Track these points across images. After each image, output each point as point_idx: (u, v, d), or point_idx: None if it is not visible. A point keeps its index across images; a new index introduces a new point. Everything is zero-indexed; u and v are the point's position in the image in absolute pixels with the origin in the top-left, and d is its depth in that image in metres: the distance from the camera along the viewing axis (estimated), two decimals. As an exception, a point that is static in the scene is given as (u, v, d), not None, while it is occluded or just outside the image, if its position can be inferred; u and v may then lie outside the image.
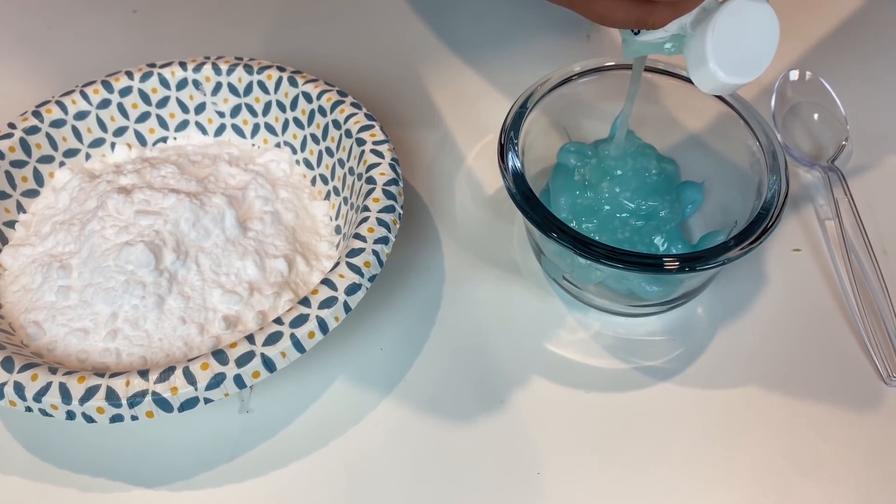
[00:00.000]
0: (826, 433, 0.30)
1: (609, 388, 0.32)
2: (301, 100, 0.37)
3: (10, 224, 0.35)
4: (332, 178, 0.37)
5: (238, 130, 0.39)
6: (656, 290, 0.32)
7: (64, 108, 0.37)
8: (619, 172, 0.34)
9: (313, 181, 0.38)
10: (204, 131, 0.39)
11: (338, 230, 0.35)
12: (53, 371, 0.27)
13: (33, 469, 0.30)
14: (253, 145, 0.39)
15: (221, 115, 0.39)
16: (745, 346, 0.33)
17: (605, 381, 0.32)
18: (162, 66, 0.38)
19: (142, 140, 0.39)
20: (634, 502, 0.29)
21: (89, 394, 0.27)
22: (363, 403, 0.31)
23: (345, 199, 0.35)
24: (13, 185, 0.35)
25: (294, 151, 0.38)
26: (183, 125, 0.39)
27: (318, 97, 0.37)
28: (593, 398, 0.31)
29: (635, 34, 0.28)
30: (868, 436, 0.30)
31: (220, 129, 0.39)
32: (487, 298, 0.34)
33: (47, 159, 0.37)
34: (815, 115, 0.40)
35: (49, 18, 0.49)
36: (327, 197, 0.37)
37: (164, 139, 0.39)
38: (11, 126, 0.36)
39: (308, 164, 0.38)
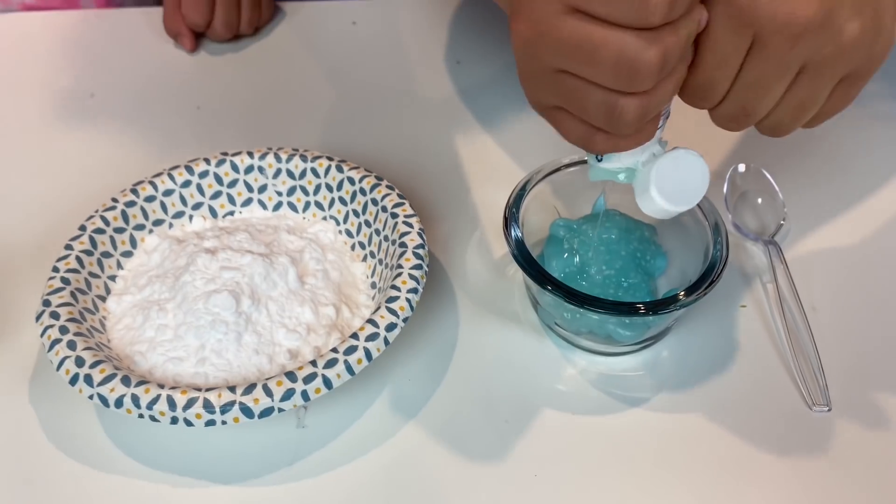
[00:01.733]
0: (762, 447, 0.38)
1: (592, 412, 0.40)
2: (346, 183, 0.46)
3: (112, 278, 0.43)
4: (369, 245, 0.45)
5: (292, 206, 0.48)
6: (629, 335, 0.40)
7: (155, 187, 0.46)
8: (598, 244, 0.43)
9: (353, 247, 0.46)
10: (264, 207, 0.48)
11: (373, 286, 0.44)
12: (161, 386, 0.35)
13: (131, 470, 0.37)
14: (304, 218, 0.48)
15: (280, 194, 0.48)
16: (700, 380, 0.41)
17: (589, 407, 0.40)
18: (233, 155, 0.48)
19: (213, 213, 0.48)
20: (611, 498, 0.36)
21: (190, 403, 0.35)
22: (396, 422, 0.39)
23: (380, 261, 0.44)
24: (115, 247, 0.44)
25: (338, 223, 0.47)
26: (248, 202, 0.48)
27: (360, 181, 0.46)
28: (580, 419, 0.39)
29: (598, 160, 0.36)
30: (795, 448, 0.38)
31: (278, 206, 0.48)
32: (494, 341, 0.43)
33: (140, 227, 0.45)
34: (759, 200, 0.50)
35: (131, 114, 0.59)
36: (364, 259, 0.46)
37: (231, 213, 0.48)
38: (115, 200, 0.45)
39: (349, 234, 0.47)
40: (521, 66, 0.33)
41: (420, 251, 0.41)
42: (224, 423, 0.35)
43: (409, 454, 0.38)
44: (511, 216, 0.42)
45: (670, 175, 0.35)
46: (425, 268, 0.41)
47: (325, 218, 0.48)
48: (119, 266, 0.44)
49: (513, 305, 0.45)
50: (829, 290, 0.45)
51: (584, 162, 0.45)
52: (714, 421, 0.39)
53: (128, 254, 0.45)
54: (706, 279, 0.39)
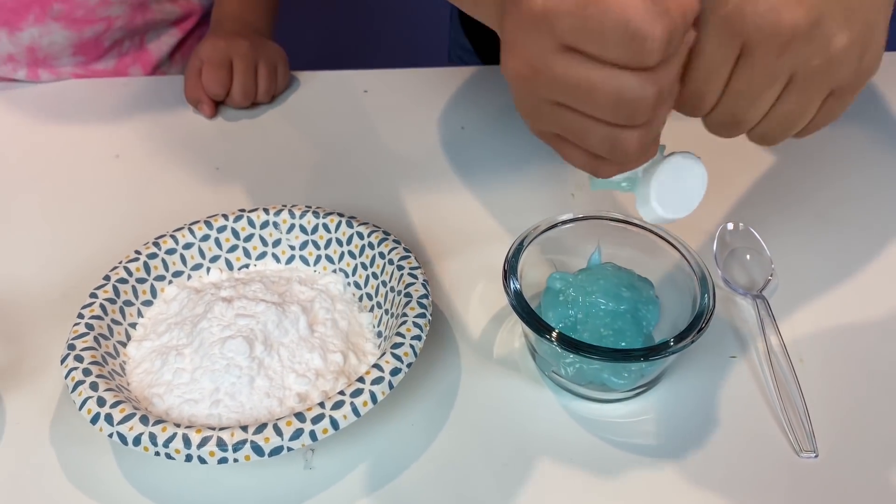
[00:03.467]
0: (751, 491, 0.39)
1: (586, 456, 0.41)
2: (355, 237, 0.49)
3: (133, 325, 0.46)
4: (376, 295, 0.48)
5: (304, 260, 0.51)
6: (622, 383, 0.42)
7: (176, 240, 0.49)
8: (595, 296, 0.45)
9: (360, 298, 0.49)
10: (278, 260, 0.51)
11: (379, 335, 0.46)
12: (177, 426, 0.37)
13: (134, 499, 0.39)
14: (314, 271, 0.51)
15: (293, 248, 0.51)
16: (691, 426, 0.43)
17: (584, 451, 0.42)
18: (250, 211, 0.51)
19: (230, 265, 0.51)
20: (606, 540, 0.38)
21: (204, 441, 0.37)
22: (399, 465, 0.41)
23: (386, 311, 0.46)
24: (136, 297, 0.47)
25: (346, 276, 0.50)
26: (262, 255, 0.51)
27: (369, 235, 0.49)
28: (575, 463, 0.41)
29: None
30: (783, 490, 0.39)
31: (291, 259, 0.51)
32: (494, 388, 0.45)
33: (160, 278, 0.48)
34: (748, 257, 0.52)
35: (153, 174, 0.62)
36: (371, 309, 0.48)
37: (246, 265, 0.51)
38: (137, 252, 0.48)
39: (357, 285, 0.49)
40: (517, 99, 0.34)
41: (424, 301, 0.44)
42: (236, 460, 0.36)
43: (411, 496, 0.40)
44: (510, 269, 0.44)
45: (670, 183, 0.36)
46: (428, 316, 0.43)
47: (334, 271, 0.50)
48: (140, 314, 0.47)
49: (512, 355, 0.47)
50: (815, 342, 0.47)
51: (578, 220, 0.48)
52: (705, 465, 0.41)
53: (148, 302, 0.47)
54: (694, 327, 0.41)
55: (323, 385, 0.42)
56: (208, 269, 0.50)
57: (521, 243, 0.46)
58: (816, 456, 0.41)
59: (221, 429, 0.37)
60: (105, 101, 0.71)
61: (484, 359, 0.47)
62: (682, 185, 0.37)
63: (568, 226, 0.48)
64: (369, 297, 0.49)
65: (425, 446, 0.42)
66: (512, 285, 0.43)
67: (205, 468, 0.41)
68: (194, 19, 0.84)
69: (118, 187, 0.61)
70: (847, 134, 0.64)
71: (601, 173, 0.35)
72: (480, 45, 0.86)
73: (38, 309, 0.50)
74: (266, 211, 0.51)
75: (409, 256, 0.47)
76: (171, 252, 0.49)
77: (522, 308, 0.42)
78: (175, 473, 0.40)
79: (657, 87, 0.30)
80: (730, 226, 0.54)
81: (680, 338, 0.40)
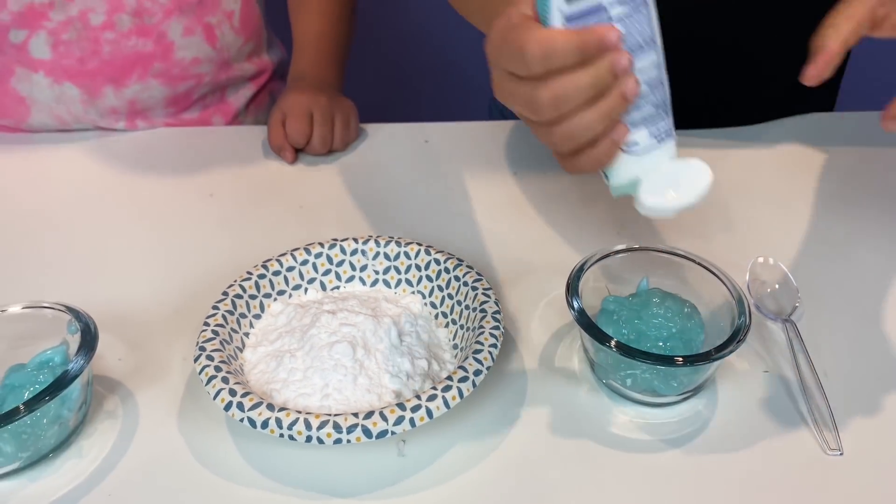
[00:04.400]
0: (783, 482, 0.46)
1: (639, 451, 0.48)
2: (432, 263, 0.57)
3: (246, 334, 0.53)
4: (451, 313, 0.55)
5: (386, 283, 0.59)
6: (670, 389, 0.49)
7: (280, 264, 0.57)
8: (645, 317, 0.52)
9: (436, 316, 0.56)
10: (364, 283, 0.59)
11: (455, 346, 0.53)
12: (298, 412, 0.44)
13: (263, 485, 0.46)
14: (395, 293, 0.58)
15: (377, 272, 0.59)
16: (730, 429, 0.49)
17: (637, 447, 0.48)
18: (342, 240, 0.58)
19: (323, 286, 0.58)
20: (661, 519, 0.44)
21: (322, 424, 0.44)
22: (477, 456, 0.48)
23: (461, 326, 0.54)
24: (248, 310, 0.54)
25: (423, 297, 0.57)
26: (351, 279, 0.59)
27: (445, 262, 0.56)
28: (628, 456, 0.47)
29: (607, 181, 0.43)
30: (812, 482, 0.45)
31: (375, 282, 0.59)
32: (557, 393, 0.51)
33: (267, 295, 0.56)
34: (777, 286, 0.59)
35: (243, 209, 0.70)
36: (447, 326, 0.55)
37: (337, 287, 0.58)
38: (249, 273, 0.56)
39: (433, 305, 0.57)
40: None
41: (497, 315, 0.51)
42: (349, 441, 0.43)
43: (488, 483, 0.46)
44: (572, 290, 0.51)
45: (664, 180, 0.41)
46: (502, 328, 0.50)
47: (413, 292, 0.58)
48: (251, 325, 0.54)
49: (571, 366, 0.54)
50: (837, 359, 0.53)
51: (631, 250, 0.55)
52: (743, 459, 0.47)
53: (257, 316, 0.55)
54: (732, 340, 0.48)
55: (413, 385, 0.49)
56: (306, 289, 0.58)
57: (580, 268, 0.53)
58: (841, 454, 0.47)
59: (335, 415, 0.44)
60: (196, 147, 0.80)
61: (546, 369, 0.53)
62: (680, 182, 0.41)
63: (620, 255, 0.55)
64: (444, 314, 0.56)
65: (499, 441, 0.48)
66: (575, 303, 0.50)
67: (313, 452, 0.47)
68: (267, 75, 0.94)
69: (215, 221, 0.69)
70: (860, 177, 0.71)
71: (568, 169, 0.44)
72: None
73: (155, 323, 0.58)
74: (356, 240, 0.59)
75: (481, 279, 0.54)
76: (276, 273, 0.56)
77: (585, 321, 0.49)
78: (286, 456, 0.47)
79: (551, 91, 0.39)
80: (760, 260, 0.60)
81: (719, 349, 0.47)
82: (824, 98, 0.89)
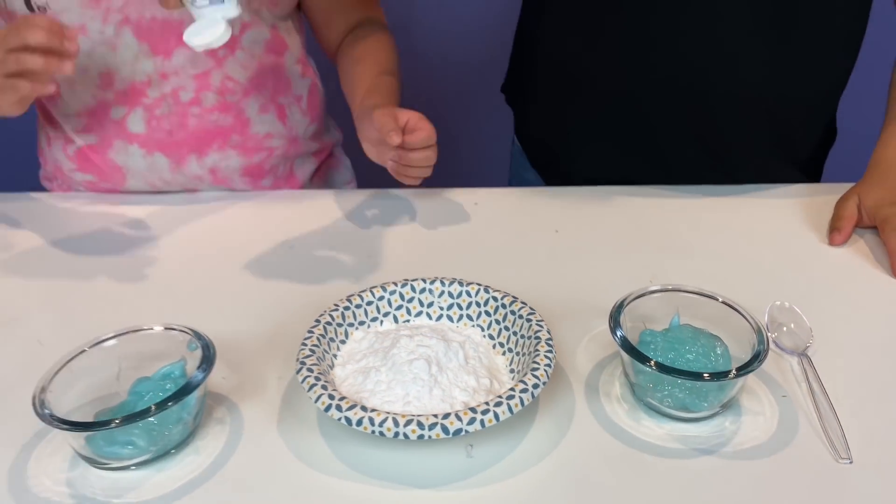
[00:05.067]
0: (799, 486, 0.53)
1: (673, 457, 0.55)
2: (491, 300, 0.66)
3: (334, 356, 0.63)
4: (508, 343, 0.64)
5: (450, 318, 0.68)
6: (701, 405, 0.57)
7: (361, 298, 0.66)
8: (679, 348, 0.60)
9: (494, 346, 0.65)
10: (430, 317, 0.68)
11: (511, 371, 0.62)
12: (387, 412, 0.53)
13: (351, 476, 0.54)
14: (457, 325, 0.67)
15: (441, 308, 0.68)
16: (753, 441, 0.57)
17: (671, 454, 0.56)
18: (412, 280, 0.68)
19: (395, 320, 0.67)
20: (695, 511, 0.51)
21: (408, 422, 0.52)
22: (534, 457, 0.55)
23: (516, 353, 0.62)
24: (336, 336, 0.64)
25: (482, 329, 0.66)
26: (419, 313, 0.68)
27: (502, 298, 0.66)
28: (665, 462, 0.55)
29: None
30: (825, 487, 0.53)
31: (440, 317, 0.68)
32: (601, 410, 0.60)
33: (350, 324, 0.65)
34: (792, 325, 0.67)
35: (318, 256, 0.81)
36: (504, 353, 0.64)
37: (407, 320, 0.68)
38: (336, 306, 0.65)
39: (491, 336, 0.66)
40: None
41: (550, 342, 0.60)
42: (430, 437, 0.52)
43: (544, 483, 0.54)
44: (615, 321, 0.60)
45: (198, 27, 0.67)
46: (554, 352, 0.59)
47: (473, 325, 0.67)
48: (338, 349, 0.63)
49: (613, 390, 0.62)
50: (848, 386, 0.61)
51: (664, 290, 0.64)
52: (765, 467, 0.54)
53: (342, 342, 0.64)
54: (752, 362, 0.56)
55: (478, 398, 0.57)
56: (381, 321, 0.67)
57: (621, 303, 0.62)
58: (851, 462, 0.54)
59: (418, 416, 0.53)
60: (275, 207, 0.92)
61: (591, 390, 0.62)
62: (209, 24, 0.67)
63: (654, 295, 0.64)
64: (501, 344, 0.65)
65: (553, 447, 0.56)
66: (618, 332, 0.59)
67: (395, 452, 0.56)
68: (327, 153, 1.06)
69: (292, 266, 0.79)
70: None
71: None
72: (542, 169, 1.06)
73: (253, 349, 0.67)
74: (423, 280, 0.68)
75: (534, 312, 0.63)
76: (358, 306, 0.66)
77: (628, 346, 0.58)
78: (372, 454, 0.56)
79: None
80: (777, 303, 0.69)
81: (741, 368, 0.55)
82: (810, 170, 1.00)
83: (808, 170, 0.99)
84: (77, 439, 0.54)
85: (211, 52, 0.86)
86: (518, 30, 1.06)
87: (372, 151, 0.81)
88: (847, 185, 0.86)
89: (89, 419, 0.56)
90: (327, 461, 0.56)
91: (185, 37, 0.67)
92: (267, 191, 0.97)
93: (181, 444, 0.57)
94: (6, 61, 0.69)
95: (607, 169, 0.97)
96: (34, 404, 0.53)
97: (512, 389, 0.55)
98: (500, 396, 0.54)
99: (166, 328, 0.60)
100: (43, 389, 0.55)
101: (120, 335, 0.60)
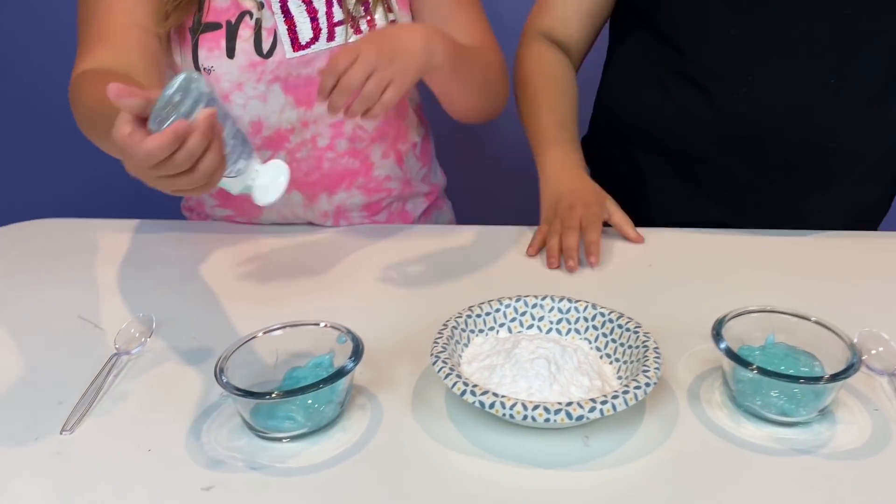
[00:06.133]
0: (889, 487, 0.58)
1: (771, 454, 0.61)
2: (598, 315, 0.73)
3: (460, 356, 0.70)
4: (615, 353, 0.71)
5: (558, 331, 0.75)
6: (798, 411, 0.62)
7: (481, 309, 0.74)
8: (773, 365, 0.66)
9: (601, 357, 0.72)
10: (540, 330, 0.75)
11: (619, 378, 0.69)
12: (517, 399, 0.60)
13: (481, 455, 0.61)
14: (565, 338, 0.74)
15: (551, 322, 0.75)
16: (849, 447, 0.62)
17: (772, 452, 0.61)
18: (525, 296, 0.76)
19: (509, 331, 0.75)
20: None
21: (535, 407, 0.59)
22: (644, 450, 0.62)
23: (623, 363, 0.69)
24: (459, 340, 0.72)
25: (590, 342, 0.73)
26: (530, 326, 0.76)
27: (609, 314, 0.73)
28: (764, 459, 0.60)
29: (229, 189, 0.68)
30: None
31: (549, 330, 0.75)
32: (703, 413, 0.65)
33: (472, 331, 0.73)
34: (881, 349, 0.72)
35: (429, 279, 0.90)
36: (611, 363, 0.71)
37: (519, 332, 0.75)
38: (459, 315, 0.73)
39: (598, 349, 0.72)
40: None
41: (658, 350, 0.66)
42: (555, 420, 0.59)
43: (654, 468, 0.60)
44: (717, 333, 0.67)
45: (264, 182, 0.68)
46: (660, 361, 0.65)
47: (581, 339, 0.74)
48: (462, 350, 0.71)
49: (714, 397, 0.68)
50: (938, 406, 0.66)
51: (763, 310, 0.70)
52: (859, 468, 0.59)
53: (465, 345, 0.72)
54: (845, 372, 0.61)
55: (592, 395, 0.64)
56: (497, 331, 0.75)
57: (721, 320, 0.68)
58: (944, 466, 0.59)
59: (544, 403, 0.60)
60: (389, 239, 1.01)
61: (693, 398, 0.68)
62: (275, 179, 0.68)
63: (751, 315, 0.70)
64: (608, 355, 0.71)
65: (660, 443, 0.63)
66: (721, 343, 0.66)
67: (518, 436, 0.62)
68: (435, 195, 1.17)
69: (413, 285, 0.88)
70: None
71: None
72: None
73: (385, 350, 0.75)
74: (535, 297, 0.76)
75: (640, 326, 0.70)
76: (478, 316, 0.74)
77: (731, 353, 0.64)
78: (497, 438, 0.63)
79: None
80: (866, 330, 0.74)
81: (833, 377, 0.61)
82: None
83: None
84: (245, 410, 0.63)
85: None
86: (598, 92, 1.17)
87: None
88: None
89: (251, 401, 0.65)
90: (457, 442, 0.63)
91: (258, 201, 0.69)
92: (384, 224, 1.07)
93: (331, 424, 0.65)
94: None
95: (684, 213, 1.05)
96: (216, 374, 0.63)
97: (626, 386, 0.62)
98: (616, 391, 0.61)
99: (324, 324, 0.70)
100: (224, 358, 0.65)
101: (286, 326, 0.69)
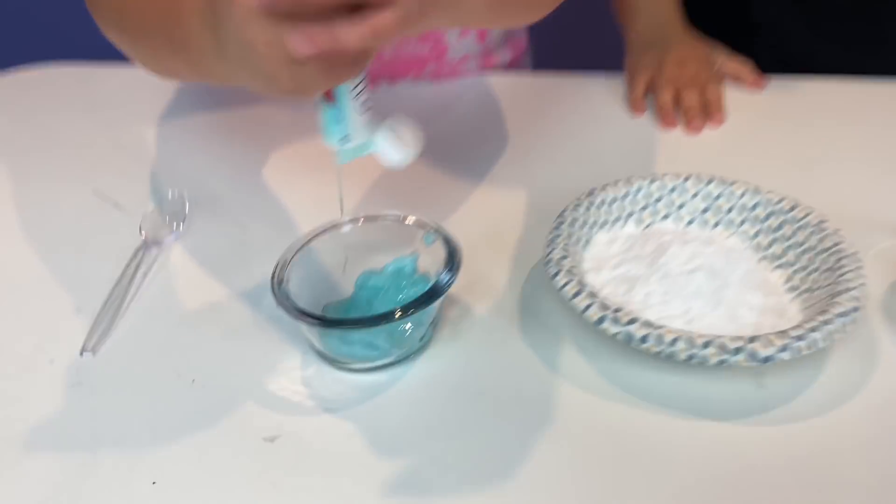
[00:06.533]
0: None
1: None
2: (761, 204, 0.56)
3: (581, 259, 0.54)
4: (784, 256, 0.54)
5: (703, 223, 0.58)
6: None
7: (607, 194, 0.57)
8: None
9: (760, 260, 0.55)
10: (678, 221, 0.58)
11: (791, 289, 0.52)
12: (680, 330, 0.44)
13: (619, 397, 0.47)
14: (710, 234, 0.57)
15: (694, 211, 0.58)
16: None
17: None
18: (663, 176, 0.58)
19: (639, 222, 0.58)
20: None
21: (706, 344, 0.43)
22: (834, 399, 0.46)
23: (800, 268, 0.52)
24: (579, 242, 0.55)
25: (746, 240, 0.56)
26: (666, 216, 0.58)
27: (777, 203, 0.55)
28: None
29: (340, 147, 0.46)
30: None
31: (690, 222, 0.58)
32: None
33: (591, 226, 0.56)
34: None
35: (542, 151, 0.71)
36: (777, 269, 0.54)
37: (650, 224, 0.58)
38: (577, 202, 0.56)
39: (758, 248, 0.55)
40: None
41: (858, 258, 0.49)
42: (734, 363, 0.43)
43: (848, 422, 0.45)
44: None
45: (394, 137, 0.48)
46: (863, 269, 0.48)
47: (733, 234, 0.57)
48: (582, 252, 0.55)
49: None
50: None
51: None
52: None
53: (586, 245, 0.55)
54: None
55: (769, 321, 0.48)
56: (624, 223, 0.58)
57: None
58: None
59: (718, 336, 0.44)
60: (502, 92, 0.82)
61: (893, 320, 0.51)
62: (402, 137, 0.48)
63: None
64: (774, 256, 0.55)
65: (856, 390, 0.47)
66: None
67: (669, 373, 0.48)
68: (518, 60, 0.94)
69: (518, 162, 0.71)
70: None
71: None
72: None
73: (474, 248, 0.58)
74: (676, 176, 0.58)
75: (825, 220, 0.53)
76: (601, 205, 0.57)
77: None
78: (639, 374, 0.48)
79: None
80: None
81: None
82: None
83: None
84: (313, 332, 0.49)
85: None
86: None
87: None
88: None
89: (318, 313, 0.50)
90: (589, 378, 0.48)
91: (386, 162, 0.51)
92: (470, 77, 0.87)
93: (420, 350, 0.51)
94: None
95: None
96: (273, 288, 0.48)
97: (825, 312, 0.45)
98: (813, 320, 0.45)
99: (409, 219, 0.53)
100: (283, 265, 0.50)
101: (358, 219, 0.53)
